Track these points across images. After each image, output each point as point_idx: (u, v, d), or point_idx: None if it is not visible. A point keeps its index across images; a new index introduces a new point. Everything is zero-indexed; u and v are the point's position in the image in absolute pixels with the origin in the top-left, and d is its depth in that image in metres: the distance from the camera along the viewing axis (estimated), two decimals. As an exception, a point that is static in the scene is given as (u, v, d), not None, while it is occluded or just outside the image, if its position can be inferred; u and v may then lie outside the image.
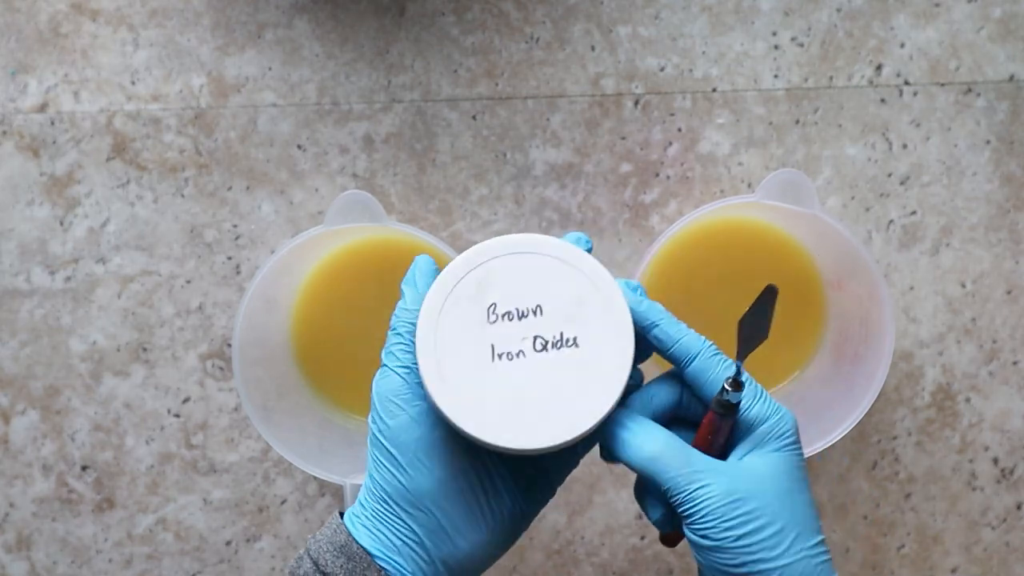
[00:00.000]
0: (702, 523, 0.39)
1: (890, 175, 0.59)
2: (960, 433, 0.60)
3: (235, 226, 0.59)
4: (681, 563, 0.61)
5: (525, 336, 0.40)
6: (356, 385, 0.58)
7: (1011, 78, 0.59)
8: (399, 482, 0.40)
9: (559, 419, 0.40)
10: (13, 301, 0.60)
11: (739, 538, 0.39)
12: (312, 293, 0.57)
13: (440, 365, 0.40)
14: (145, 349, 0.60)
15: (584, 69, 0.59)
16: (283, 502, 0.61)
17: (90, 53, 0.59)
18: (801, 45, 0.59)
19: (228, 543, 0.61)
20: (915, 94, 0.59)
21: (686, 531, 0.41)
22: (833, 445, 0.51)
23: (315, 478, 0.60)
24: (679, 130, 0.59)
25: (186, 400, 0.60)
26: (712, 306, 0.57)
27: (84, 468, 0.61)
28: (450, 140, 0.59)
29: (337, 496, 0.60)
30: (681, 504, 0.40)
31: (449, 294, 0.40)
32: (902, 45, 0.59)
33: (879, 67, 0.59)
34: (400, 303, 0.42)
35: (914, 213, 0.59)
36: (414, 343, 0.40)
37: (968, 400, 0.60)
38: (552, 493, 0.45)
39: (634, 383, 0.43)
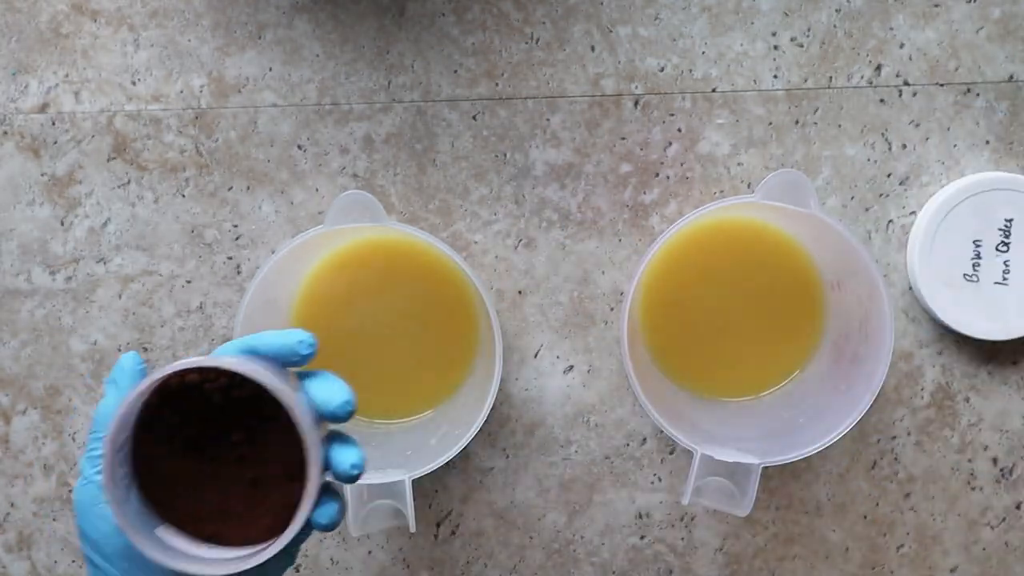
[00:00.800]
0: None
1: (890, 175, 0.59)
2: (959, 433, 0.60)
3: (235, 226, 0.59)
4: (681, 563, 0.61)
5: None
6: (355, 385, 0.58)
7: (1010, 78, 0.59)
8: None
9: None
10: (14, 301, 0.60)
11: None
12: (312, 293, 0.57)
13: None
14: (145, 349, 0.60)
15: (584, 69, 0.59)
16: (283, 502, 0.61)
17: (91, 53, 0.59)
18: (801, 45, 0.59)
19: (228, 543, 0.61)
20: (915, 94, 0.59)
21: None
22: (833, 445, 0.51)
23: (315, 478, 0.60)
24: (679, 130, 0.59)
25: (186, 400, 0.60)
26: (712, 306, 0.58)
27: (84, 468, 0.61)
28: (450, 140, 0.59)
29: (337, 496, 0.60)
30: None
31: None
32: (902, 45, 0.59)
33: (879, 67, 0.59)
34: (102, 403, 0.40)
35: (914, 213, 0.59)
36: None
37: (968, 400, 0.60)
38: None
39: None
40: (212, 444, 0.40)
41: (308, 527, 0.40)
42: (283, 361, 0.40)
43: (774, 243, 0.57)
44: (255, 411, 0.40)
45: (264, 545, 0.39)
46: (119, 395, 0.40)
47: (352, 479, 0.39)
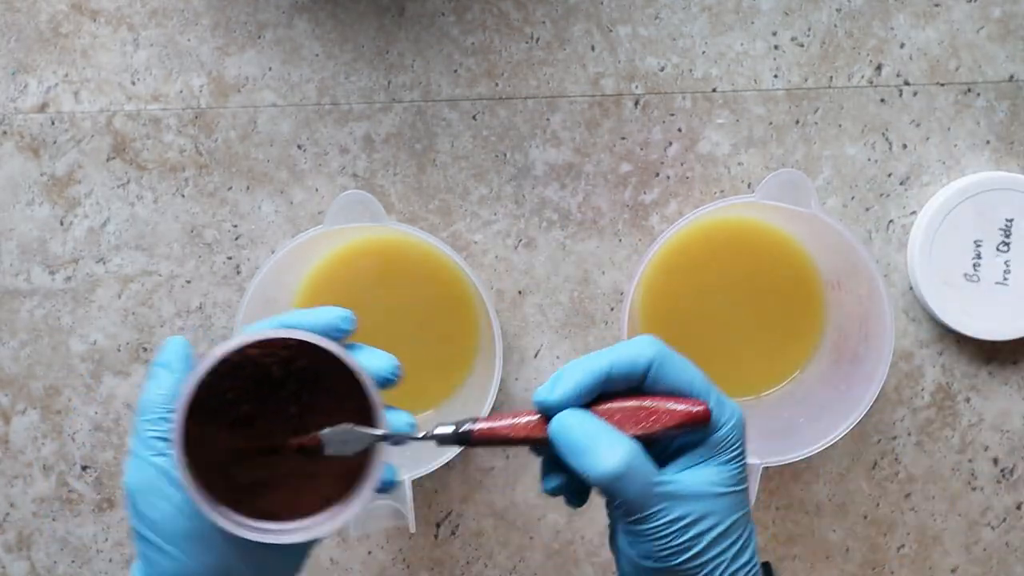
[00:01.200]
0: (653, 544, 0.39)
1: (890, 175, 0.59)
2: (960, 433, 0.60)
3: (235, 226, 0.59)
4: (681, 563, 0.61)
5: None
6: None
7: (1011, 78, 0.59)
8: (173, 570, 0.39)
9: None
10: (13, 301, 0.60)
11: (686, 560, 0.39)
12: (312, 293, 0.57)
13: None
14: (145, 349, 0.60)
15: (584, 69, 0.59)
16: (283, 502, 0.61)
17: (90, 53, 0.59)
18: (801, 45, 0.59)
19: (228, 543, 0.61)
20: (915, 94, 0.59)
21: (626, 538, 0.40)
22: (833, 445, 0.51)
23: (315, 478, 0.60)
24: (679, 130, 0.59)
25: (186, 400, 0.60)
26: (712, 306, 0.58)
27: (84, 468, 0.61)
28: (450, 140, 0.59)
29: (337, 496, 0.60)
30: (632, 519, 0.39)
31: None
32: (902, 45, 0.59)
33: (879, 67, 0.59)
34: (152, 385, 0.40)
35: (914, 213, 0.59)
36: (169, 431, 0.39)
37: (968, 400, 0.60)
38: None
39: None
40: (263, 419, 0.40)
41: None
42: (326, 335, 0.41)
43: (774, 243, 0.57)
44: (308, 383, 0.40)
45: (339, 508, 0.40)
46: (174, 376, 0.40)
47: (411, 437, 0.41)
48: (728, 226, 0.57)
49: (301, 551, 0.43)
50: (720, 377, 0.58)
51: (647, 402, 0.40)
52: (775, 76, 0.59)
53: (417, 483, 0.53)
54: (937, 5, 0.58)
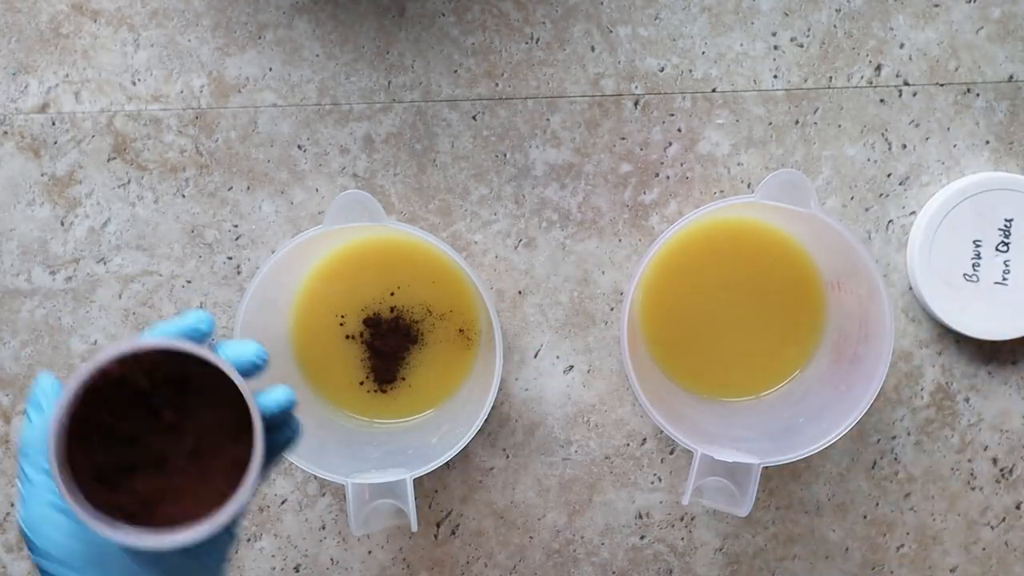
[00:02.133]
0: None
1: (889, 175, 0.59)
2: (959, 433, 0.60)
3: (235, 226, 0.59)
4: (680, 563, 0.61)
5: None
6: (356, 385, 0.58)
7: (1010, 78, 0.59)
8: None
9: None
10: (14, 301, 0.60)
11: None
12: (312, 293, 0.57)
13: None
14: (145, 349, 0.60)
15: (584, 69, 0.59)
16: (283, 502, 0.61)
17: (91, 53, 0.59)
18: (801, 46, 0.59)
19: (228, 543, 0.61)
20: (914, 94, 0.59)
21: None
22: (833, 445, 0.51)
23: (315, 478, 0.60)
24: (679, 130, 0.59)
25: (186, 400, 0.60)
26: (712, 306, 0.58)
27: (84, 468, 0.61)
28: (450, 140, 0.59)
29: (338, 496, 0.61)
30: None
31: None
32: (901, 45, 0.59)
33: (878, 67, 0.59)
34: (27, 427, 0.41)
35: (914, 213, 0.59)
36: (48, 465, 0.39)
37: (967, 400, 0.60)
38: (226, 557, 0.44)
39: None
40: (143, 431, 0.40)
41: (258, 482, 0.40)
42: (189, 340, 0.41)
43: (774, 243, 0.57)
44: (177, 388, 0.41)
45: (229, 500, 0.40)
46: (44, 415, 0.41)
47: (287, 406, 0.41)
48: (728, 226, 0.57)
49: (216, 555, 0.43)
50: (720, 377, 0.59)
51: None
52: (775, 76, 0.59)
53: (417, 483, 0.53)
54: (937, 5, 0.59)
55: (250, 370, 0.40)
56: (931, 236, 0.58)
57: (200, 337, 0.41)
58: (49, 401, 0.41)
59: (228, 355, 0.40)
